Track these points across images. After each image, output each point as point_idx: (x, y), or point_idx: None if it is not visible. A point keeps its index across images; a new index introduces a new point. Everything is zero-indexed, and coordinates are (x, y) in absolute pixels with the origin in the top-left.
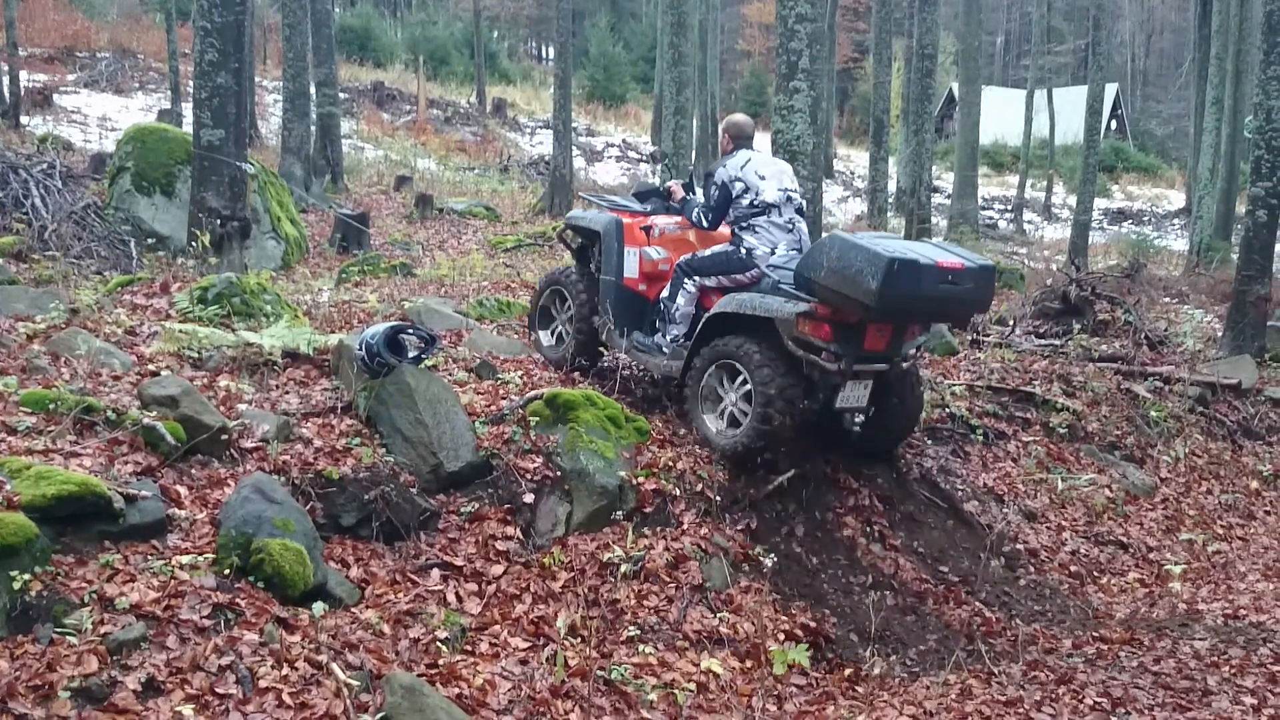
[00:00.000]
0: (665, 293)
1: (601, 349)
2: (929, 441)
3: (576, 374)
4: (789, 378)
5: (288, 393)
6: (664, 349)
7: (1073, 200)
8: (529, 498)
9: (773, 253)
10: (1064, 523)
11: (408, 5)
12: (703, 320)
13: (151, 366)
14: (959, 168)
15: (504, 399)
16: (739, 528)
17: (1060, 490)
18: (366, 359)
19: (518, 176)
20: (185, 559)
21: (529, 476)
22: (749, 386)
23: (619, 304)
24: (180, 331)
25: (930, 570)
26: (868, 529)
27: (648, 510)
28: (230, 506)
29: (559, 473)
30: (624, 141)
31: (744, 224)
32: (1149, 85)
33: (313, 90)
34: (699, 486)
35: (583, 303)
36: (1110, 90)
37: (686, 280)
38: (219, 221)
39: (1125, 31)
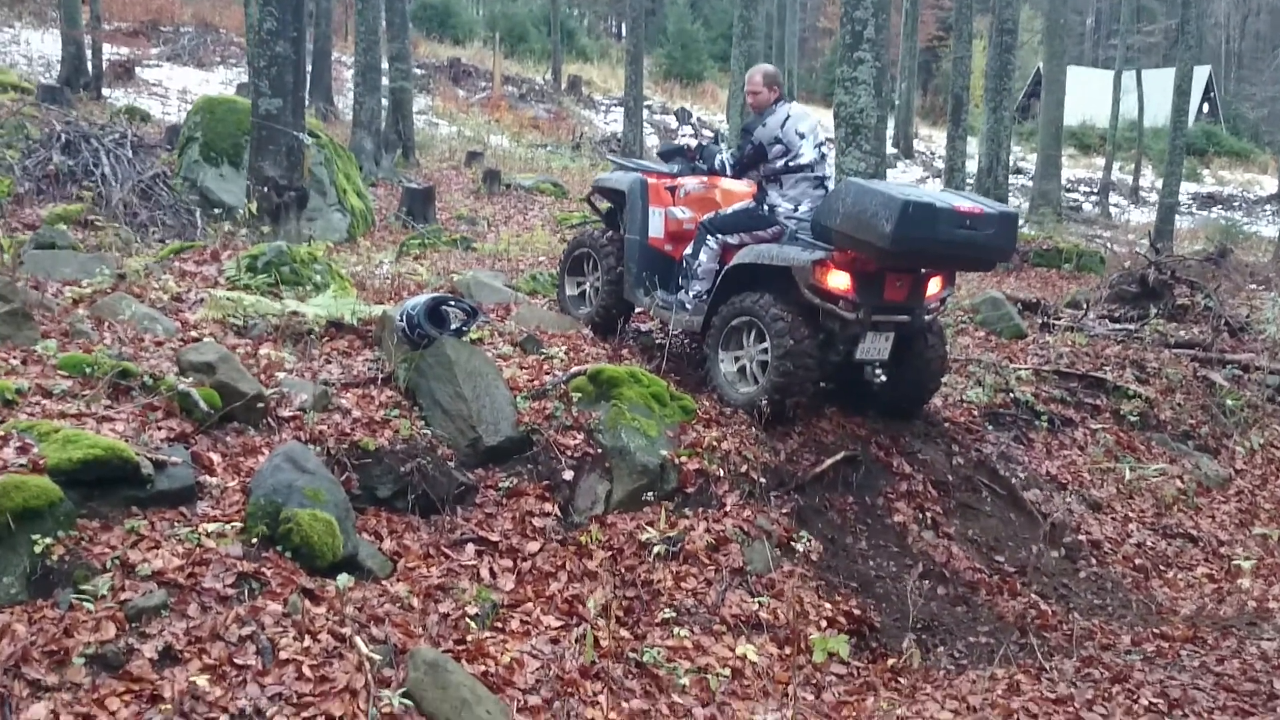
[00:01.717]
0: (689, 250)
1: (627, 309)
2: (989, 427)
3: (624, 351)
4: (806, 331)
5: (329, 362)
6: (686, 305)
7: (1160, 184)
8: (568, 474)
9: (795, 210)
10: (1130, 514)
11: None
12: (721, 274)
13: (195, 333)
14: (1042, 147)
15: (547, 374)
16: (784, 510)
17: (1128, 480)
18: (407, 330)
19: (589, 153)
20: (212, 527)
21: (569, 453)
22: (766, 342)
23: (644, 262)
24: (226, 299)
25: (985, 560)
26: (920, 515)
27: (689, 490)
28: (261, 475)
29: (600, 450)
30: (698, 119)
31: (772, 178)
32: (1244, 68)
33: (385, 65)
34: (744, 467)
35: (610, 266)
36: (1202, 73)
37: (709, 238)
38: (275, 191)
39: (1220, 13)
